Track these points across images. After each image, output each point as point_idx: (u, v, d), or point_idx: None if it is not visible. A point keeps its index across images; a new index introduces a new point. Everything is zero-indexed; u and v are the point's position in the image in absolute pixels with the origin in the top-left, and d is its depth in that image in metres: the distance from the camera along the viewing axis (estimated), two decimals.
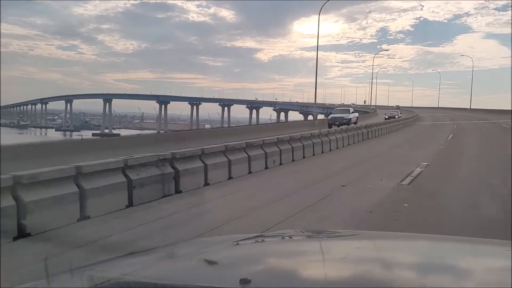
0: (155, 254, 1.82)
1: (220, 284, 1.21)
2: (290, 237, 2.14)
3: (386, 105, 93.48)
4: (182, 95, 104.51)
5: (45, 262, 1.30)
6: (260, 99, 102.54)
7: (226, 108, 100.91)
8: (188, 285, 1.20)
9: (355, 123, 28.00)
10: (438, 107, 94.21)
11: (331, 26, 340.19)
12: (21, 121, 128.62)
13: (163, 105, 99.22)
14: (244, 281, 1.14)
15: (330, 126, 25.64)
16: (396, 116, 46.83)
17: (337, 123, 27.26)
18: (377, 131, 25.62)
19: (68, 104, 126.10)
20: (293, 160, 13.69)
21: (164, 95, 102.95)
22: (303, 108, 79.95)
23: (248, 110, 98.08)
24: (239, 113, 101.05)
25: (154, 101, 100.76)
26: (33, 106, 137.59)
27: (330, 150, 17.08)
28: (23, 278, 1.51)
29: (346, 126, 23.50)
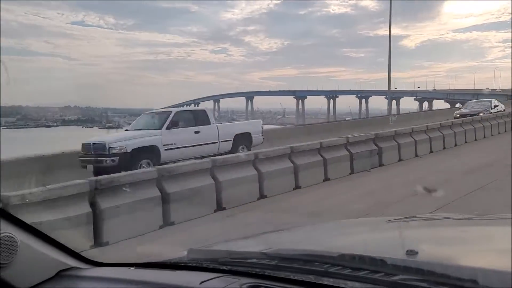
0: (322, 228, 2.13)
1: (387, 254, 1.19)
2: (444, 218, 2.18)
3: None
4: (318, 89, 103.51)
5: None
6: (400, 88, 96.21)
7: (363, 100, 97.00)
8: (364, 255, 1.19)
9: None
10: None
11: (489, 3, 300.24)
12: None
13: (300, 100, 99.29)
14: (411, 252, 1.13)
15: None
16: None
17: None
18: None
19: (216, 103, 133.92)
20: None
21: (300, 90, 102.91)
22: (449, 96, 72.22)
23: (386, 101, 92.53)
24: (378, 104, 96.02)
25: (291, 97, 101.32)
26: (187, 106, 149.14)
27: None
28: None
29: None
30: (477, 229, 1.80)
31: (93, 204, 5.88)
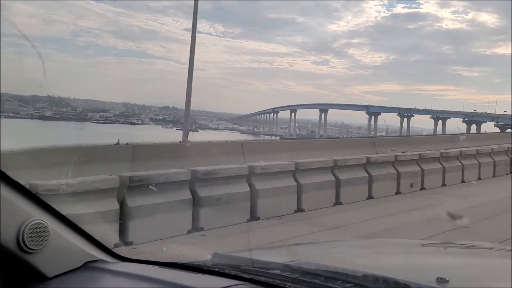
0: (347, 245, 2.02)
1: (416, 279, 1.14)
2: (483, 248, 2.02)
3: None
4: (392, 106, 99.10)
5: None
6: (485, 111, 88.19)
7: (440, 121, 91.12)
8: (388, 277, 1.13)
9: None
10: None
11: None
12: (255, 129, 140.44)
13: (372, 116, 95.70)
14: (442, 280, 1.09)
15: None
16: None
17: None
18: None
19: (293, 113, 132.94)
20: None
21: (373, 106, 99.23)
22: None
23: (465, 125, 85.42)
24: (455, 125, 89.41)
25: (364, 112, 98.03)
26: (268, 114, 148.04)
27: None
28: None
29: None
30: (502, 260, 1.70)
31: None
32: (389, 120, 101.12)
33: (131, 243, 5.35)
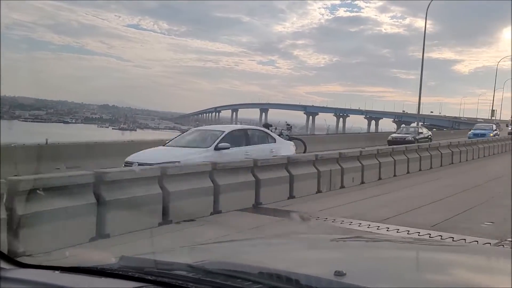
0: (256, 243, 1.99)
1: (315, 273, 1.17)
2: (389, 241, 2.21)
3: None
4: (327, 106, 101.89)
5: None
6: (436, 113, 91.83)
7: (373, 121, 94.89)
8: (282, 271, 1.16)
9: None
10: None
11: None
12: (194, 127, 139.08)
13: (310, 116, 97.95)
14: (339, 273, 1.11)
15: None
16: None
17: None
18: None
19: (234, 112, 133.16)
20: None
21: (311, 106, 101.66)
22: (455, 126, 68.07)
23: (395, 124, 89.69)
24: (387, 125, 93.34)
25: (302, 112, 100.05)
26: (210, 114, 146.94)
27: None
28: None
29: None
30: (412, 254, 1.75)
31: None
32: (330, 120, 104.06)
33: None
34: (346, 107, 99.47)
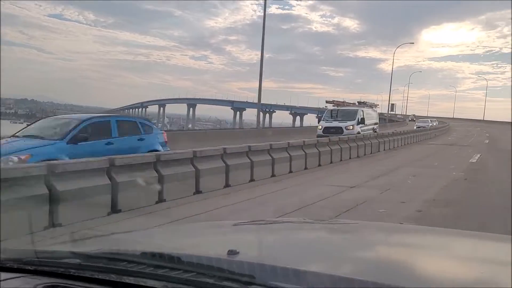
0: (161, 230, 2.08)
1: (209, 254, 1.16)
2: (289, 222, 2.17)
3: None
4: (254, 102, 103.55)
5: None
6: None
7: (298, 117, 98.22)
8: (174, 253, 1.13)
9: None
10: None
11: (465, 35, 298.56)
12: None
13: (238, 111, 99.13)
14: (232, 252, 1.12)
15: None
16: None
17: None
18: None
19: (161, 108, 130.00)
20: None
21: (238, 101, 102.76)
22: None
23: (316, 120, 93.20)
24: (310, 120, 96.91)
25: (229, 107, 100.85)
26: (137, 109, 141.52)
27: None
28: None
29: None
30: (303, 233, 1.79)
31: None
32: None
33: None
34: (273, 103, 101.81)
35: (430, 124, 41.77)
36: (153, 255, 1.14)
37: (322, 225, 2.05)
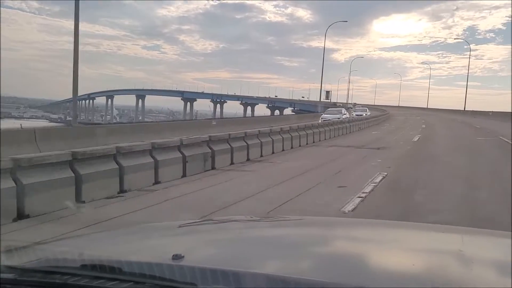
0: (100, 237, 1.84)
1: (153, 259, 1.11)
2: (235, 221, 2.10)
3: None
4: (204, 92, 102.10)
5: None
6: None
7: (249, 107, 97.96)
8: (114, 261, 1.09)
9: None
10: None
11: (413, 25, 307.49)
12: (67, 117, 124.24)
13: (188, 102, 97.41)
14: (177, 257, 1.08)
15: None
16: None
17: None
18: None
19: (109, 99, 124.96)
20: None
21: (188, 92, 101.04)
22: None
23: (269, 110, 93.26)
24: (262, 110, 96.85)
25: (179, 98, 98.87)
26: (84, 101, 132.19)
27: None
28: None
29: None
30: (253, 231, 1.77)
31: None
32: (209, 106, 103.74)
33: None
34: (223, 93, 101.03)
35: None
36: (93, 266, 1.08)
37: (269, 223, 2.05)
